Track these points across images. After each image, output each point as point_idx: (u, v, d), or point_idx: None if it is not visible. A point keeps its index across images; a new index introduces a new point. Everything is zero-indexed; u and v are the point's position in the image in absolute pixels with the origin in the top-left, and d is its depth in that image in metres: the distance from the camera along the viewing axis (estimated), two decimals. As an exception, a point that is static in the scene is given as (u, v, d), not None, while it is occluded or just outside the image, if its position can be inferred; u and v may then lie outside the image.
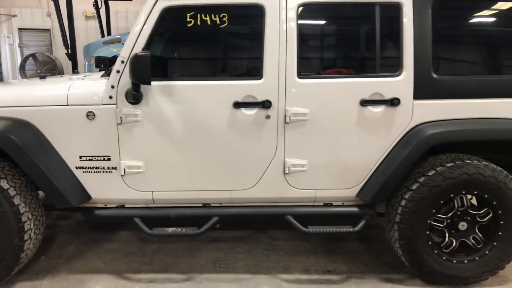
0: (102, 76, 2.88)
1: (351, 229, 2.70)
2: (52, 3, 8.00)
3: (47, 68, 12.75)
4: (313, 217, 2.81)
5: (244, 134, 2.57)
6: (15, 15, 13.69)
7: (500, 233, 2.64)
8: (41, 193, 2.66)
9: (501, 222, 2.62)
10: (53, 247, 3.19)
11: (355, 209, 2.76)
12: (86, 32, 13.52)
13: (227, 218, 2.73)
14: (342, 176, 2.68)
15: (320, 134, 2.59)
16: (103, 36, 9.84)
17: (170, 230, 2.67)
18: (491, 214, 2.64)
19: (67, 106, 2.54)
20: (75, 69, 8.43)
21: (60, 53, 12.29)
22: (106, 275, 2.80)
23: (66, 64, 10.55)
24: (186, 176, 2.64)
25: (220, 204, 2.76)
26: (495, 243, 2.66)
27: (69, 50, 8.28)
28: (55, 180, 2.50)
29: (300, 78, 2.53)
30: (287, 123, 2.56)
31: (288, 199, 2.72)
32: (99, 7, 9.52)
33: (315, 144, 2.61)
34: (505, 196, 2.56)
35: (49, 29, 13.68)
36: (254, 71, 2.54)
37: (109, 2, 9.69)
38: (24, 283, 2.69)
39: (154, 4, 2.47)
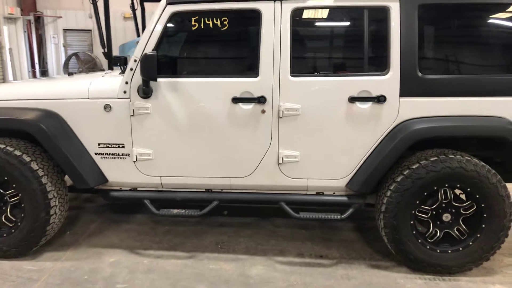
0: (119, 74, 3.24)
1: (338, 217, 2.91)
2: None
3: (88, 66, 13.55)
4: (307, 204, 3.04)
5: (242, 127, 2.85)
6: (60, 17, 14.60)
7: (483, 226, 2.76)
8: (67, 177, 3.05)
9: (484, 215, 2.74)
10: (77, 225, 3.59)
11: (344, 198, 2.96)
12: (124, 32, 14.21)
13: (227, 202, 3.02)
14: (332, 167, 2.89)
15: (311, 128, 2.82)
16: (138, 35, 10.36)
17: (175, 211, 2.99)
18: (474, 207, 2.77)
19: (88, 99, 2.91)
20: (110, 68, 9.01)
21: (100, 52, 13.05)
22: (120, 250, 3.16)
23: (105, 62, 11.18)
24: (190, 163, 2.95)
25: (221, 190, 3.05)
26: (478, 235, 2.79)
27: (106, 50, 8.83)
28: (76, 163, 2.88)
29: (293, 76, 2.77)
30: (281, 117, 2.81)
31: (282, 187, 2.96)
32: (135, 8, 10.03)
33: (307, 137, 2.83)
34: (488, 190, 2.68)
35: (90, 30, 14.49)
36: (251, 70, 2.81)
37: (145, 3, 10.20)
38: (50, 253, 3.09)
39: (164, 9, 2.79)
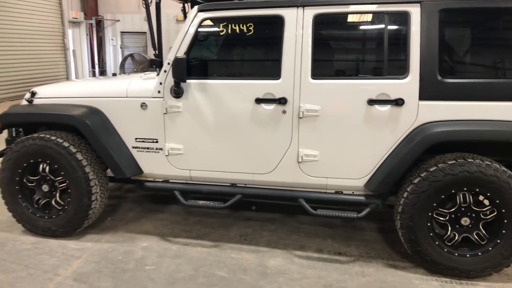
0: (156, 75, 3.52)
1: (355, 215, 3.00)
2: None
3: (142, 66, 14.31)
4: (325, 203, 3.15)
5: (264, 126, 3.02)
6: (119, 20, 15.54)
7: (504, 231, 2.74)
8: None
9: (505, 221, 2.72)
10: (118, 212, 3.94)
11: (362, 198, 3.04)
12: (177, 34, 14.81)
13: (249, 196, 3.20)
14: (350, 167, 2.98)
15: (330, 129, 2.93)
16: (188, 38, 10.87)
17: (201, 202, 3.23)
18: (495, 212, 2.75)
19: (127, 98, 3.22)
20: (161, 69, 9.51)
21: (153, 53, 13.76)
22: (153, 236, 3.44)
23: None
24: (216, 159, 3.17)
25: (245, 185, 3.24)
26: (498, 241, 2.76)
27: (157, 52, 9.35)
28: (115, 155, 3.20)
29: (313, 78, 2.90)
30: (301, 118, 2.95)
31: (301, 184, 3.10)
32: (186, 12, 10.52)
33: (326, 137, 2.95)
34: (508, 196, 2.66)
35: (145, 32, 15.30)
36: (274, 72, 2.97)
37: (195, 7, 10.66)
38: (92, 235, 3.44)
39: (195, 16, 3.04)
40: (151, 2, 9.55)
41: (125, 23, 15.49)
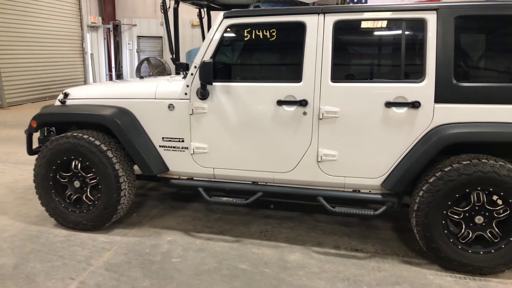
0: (182, 78, 3.70)
1: (372, 213, 3.14)
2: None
3: (158, 70, 14.60)
4: (343, 201, 3.29)
5: (285, 127, 3.17)
6: (135, 25, 15.87)
7: (516, 230, 2.84)
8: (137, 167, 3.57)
9: (517, 220, 2.83)
10: (142, 209, 4.12)
11: (378, 196, 3.17)
12: (192, 38, 15.13)
13: (269, 194, 3.36)
14: (368, 167, 3.12)
15: (348, 130, 3.08)
16: (204, 42, 11.09)
17: (224, 199, 3.39)
18: (507, 211, 2.86)
19: (155, 99, 3.41)
20: (178, 72, 9.73)
21: (169, 57, 14.05)
22: (176, 231, 3.61)
23: (173, 67, 12.02)
24: (239, 158, 3.33)
25: (266, 183, 3.39)
26: (511, 239, 2.87)
27: (174, 55, 9.57)
28: (143, 153, 3.38)
29: (333, 82, 3.05)
30: (321, 119, 3.10)
31: (320, 183, 3.24)
32: (202, 17, 10.74)
33: (344, 138, 3.10)
34: (521, 195, 2.77)
35: (161, 37, 15.61)
36: (295, 75, 3.12)
37: (211, 12, 10.88)
38: (119, 229, 3.62)
39: (221, 22, 3.21)
40: (169, 7, 9.81)
41: (142, 28, 15.83)
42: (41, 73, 12.26)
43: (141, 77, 4.11)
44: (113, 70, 15.96)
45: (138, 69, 14.89)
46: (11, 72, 11.03)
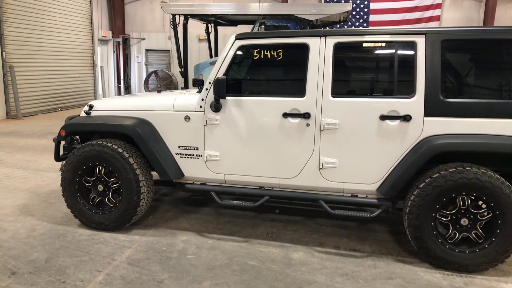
0: (197, 92, 4.07)
1: (368, 215, 3.46)
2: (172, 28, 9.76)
3: (165, 83, 15.05)
4: (342, 204, 3.62)
5: (290, 137, 3.53)
6: (144, 39, 16.37)
7: (498, 231, 3.16)
8: (154, 173, 3.92)
9: (499, 221, 3.14)
10: (157, 212, 4.46)
11: (374, 200, 3.51)
12: (199, 52, 15.60)
13: (276, 198, 3.70)
14: (365, 173, 3.46)
15: (347, 140, 3.43)
16: (211, 56, 11.53)
17: (234, 202, 3.74)
18: (490, 214, 3.18)
19: (173, 111, 3.78)
20: (186, 85, 10.16)
21: (176, 70, 14.52)
22: (190, 232, 3.95)
23: (181, 80, 12.48)
24: (248, 165, 3.67)
25: (272, 188, 3.73)
26: (493, 239, 3.18)
27: (183, 69, 10.00)
28: (162, 160, 3.73)
29: (333, 96, 3.41)
30: (322, 130, 3.45)
31: (321, 188, 3.58)
32: (210, 31, 11.21)
33: (343, 147, 3.44)
34: (501, 199, 3.09)
35: (169, 50, 16.10)
36: (299, 91, 3.49)
37: (218, 27, 11.35)
38: (138, 230, 3.96)
39: (233, 43, 3.59)
40: (178, 23, 10.22)
41: (150, 41, 16.33)
42: (54, 85, 12.72)
43: (159, 91, 4.48)
44: (122, 82, 16.43)
45: (146, 81, 15.36)
46: (26, 84, 11.50)
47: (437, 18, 14.58)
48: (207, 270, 3.24)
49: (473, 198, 3.19)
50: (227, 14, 9.56)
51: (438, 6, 14.56)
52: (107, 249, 3.54)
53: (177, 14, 9.48)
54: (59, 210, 4.39)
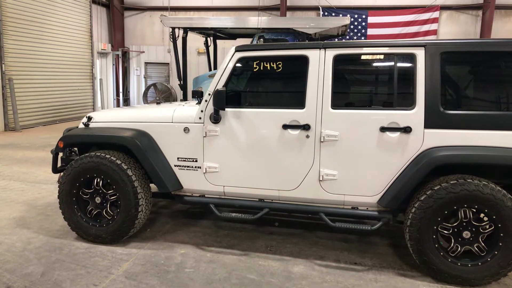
0: (196, 104, 4.06)
1: (369, 228, 3.42)
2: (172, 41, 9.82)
3: (164, 95, 15.06)
4: (343, 217, 3.58)
5: (289, 148, 3.51)
6: (143, 52, 16.45)
7: (500, 244, 3.12)
8: (152, 185, 3.88)
9: (501, 234, 3.11)
10: (156, 225, 4.41)
11: (375, 213, 3.47)
12: (198, 65, 15.66)
13: (275, 210, 3.66)
14: (365, 185, 3.43)
15: (347, 152, 3.40)
16: (210, 69, 11.58)
17: (233, 214, 3.69)
18: (492, 227, 3.14)
19: (172, 123, 3.76)
20: (185, 98, 10.17)
21: (175, 83, 14.55)
22: (188, 245, 3.89)
23: (180, 92, 12.51)
24: (247, 176, 3.64)
25: (271, 200, 3.69)
26: (496, 252, 3.14)
27: (182, 82, 10.03)
28: (160, 172, 3.70)
29: (333, 108, 3.40)
30: (322, 142, 3.43)
31: (321, 200, 3.54)
32: (209, 45, 11.27)
33: (344, 159, 3.42)
34: (503, 212, 3.06)
35: (168, 63, 16.17)
36: (299, 102, 3.48)
37: (217, 40, 11.42)
38: (136, 243, 3.90)
39: (233, 55, 3.60)
40: (178, 36, 10.28)
41: (149, 54, 16.41)
42: (53, 98, 12.72)
43: (158, 103, 4.47)
44: (121, 94, 16.46)
45: (145, 94, 15.38)
46: (25, 96, 11.49)
47: (434, 32, 14.73)
48: (205, 284, 3.18)
49: (474, 210, 3.16)
50: (226, 28, 9.63)
51: (435, 20, 14.72)
52: (104, 263, 3.48)
53: (177, 27, 9.55)
54: (56, 223, 4.34)
